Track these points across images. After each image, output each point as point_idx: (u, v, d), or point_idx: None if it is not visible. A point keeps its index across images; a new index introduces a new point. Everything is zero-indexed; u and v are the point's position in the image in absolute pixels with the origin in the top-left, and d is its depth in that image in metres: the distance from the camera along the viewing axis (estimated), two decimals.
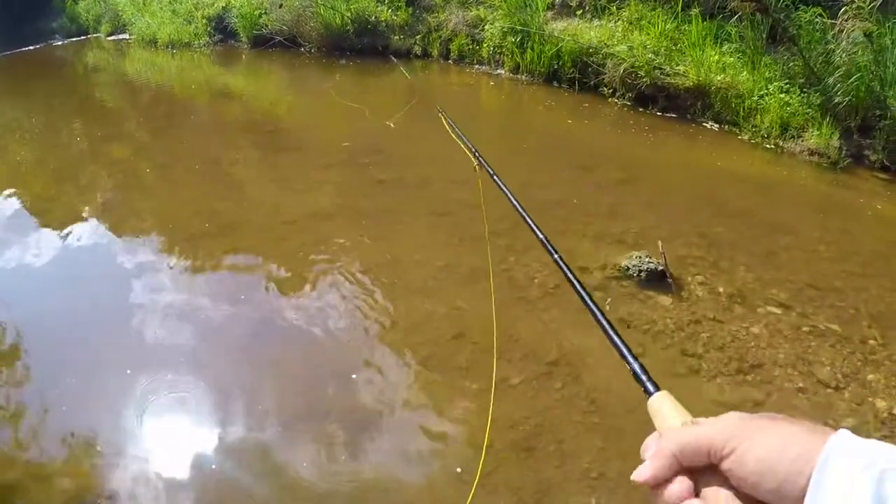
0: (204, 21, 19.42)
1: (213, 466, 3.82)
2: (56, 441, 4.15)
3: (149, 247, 6.54)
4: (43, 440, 4.19)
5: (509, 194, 3.60)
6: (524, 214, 3.37)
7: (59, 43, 27.49)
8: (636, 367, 1.98)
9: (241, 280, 5.79)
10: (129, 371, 4.71)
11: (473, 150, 4.34)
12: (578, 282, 2.57)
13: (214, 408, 4.28)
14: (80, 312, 5.64)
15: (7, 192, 8.57)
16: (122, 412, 4.33)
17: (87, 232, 7.15)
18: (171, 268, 6.12)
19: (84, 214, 7.55)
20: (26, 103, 15.25)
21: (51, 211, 7.82)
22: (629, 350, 2.05)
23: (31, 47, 26.27)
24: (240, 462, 3.84)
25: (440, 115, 5.67)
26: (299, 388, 4.37)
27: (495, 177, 3.86)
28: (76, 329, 5.39)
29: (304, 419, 4.09)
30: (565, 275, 2.73)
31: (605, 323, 2.22)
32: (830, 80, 7.65)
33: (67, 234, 7.10)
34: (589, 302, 2.39)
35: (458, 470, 3.63)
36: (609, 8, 10.81)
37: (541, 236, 3.14)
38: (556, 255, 2.88)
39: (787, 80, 8.11)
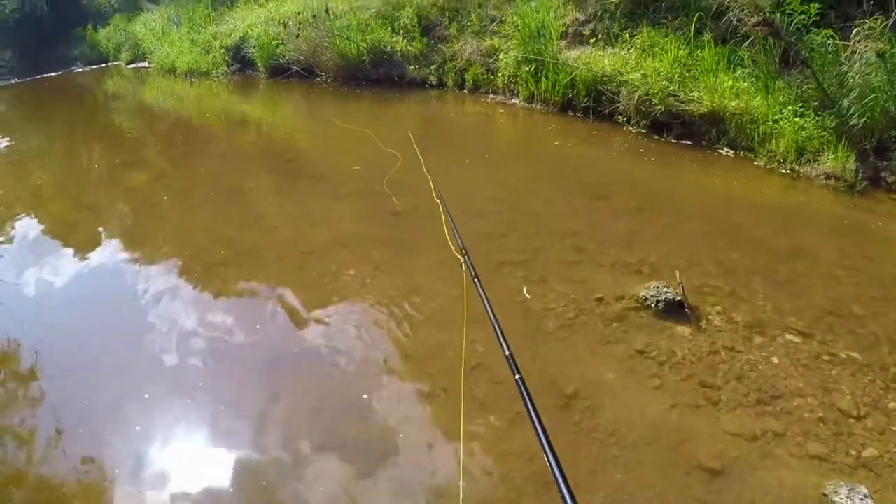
0: (222, 51, 19.84)
1: (230, 493, 3.85)
2: (69, 464, 4.20)
3: (167, 274, 6.62)
4: (56, 462, 4.25)
5: (486, 303, 3.64)
6: (495, 325, 3.41)
7: (80, 70, 27.94)
8: None
9: (259, 309, 5.84)
10: (146, 395, 4.79)
11: (462, 248, 4.36)
12: (535, 412, 2.59)
13: (230, 436, 4.32)
14: (97, 336, 5.73)
15: (28, 215, 8.75)
16: (137, 437, 4.39)
17: (105, 257, 7.26)
18: (188, 295, 6.19)
19: (102, 240, 7.68)
20: (47, 129, 15.49)
21: (70, 235, 7.95)
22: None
23: (52, 73, 26.70)
24: (255, 492, 3.86)
25: (438, 200, 5.69)
26: (316, 419, 4.39)
27: (476, 279, 3.90)
28: (93, 353, 5.47)
29: (320, 449, 4.11)
30: (524, 398, 2.75)
31: (553, 464, 2.25)
32: (845, 102, 7.63)
33: (86, 259, 7.23)
34: (542, 437, 2.41)
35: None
36: (622, 35, 10.84)
37: (507, 353, 3.20)
38: (517, 376, 2.93)
39: (801, 104, 8.09)
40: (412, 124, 12.04)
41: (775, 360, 4.50)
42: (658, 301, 5.06)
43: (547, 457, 2.34)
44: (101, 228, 8.15)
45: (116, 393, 4.86)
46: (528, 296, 5.39)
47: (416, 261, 6.12)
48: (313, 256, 6.57)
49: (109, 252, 7.40)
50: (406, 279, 5.86)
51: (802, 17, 8.38)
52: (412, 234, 6.59)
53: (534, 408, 2.66)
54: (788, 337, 4.72)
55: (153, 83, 21.10)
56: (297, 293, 5.95)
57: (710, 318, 4.96)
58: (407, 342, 5.02)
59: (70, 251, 7.50)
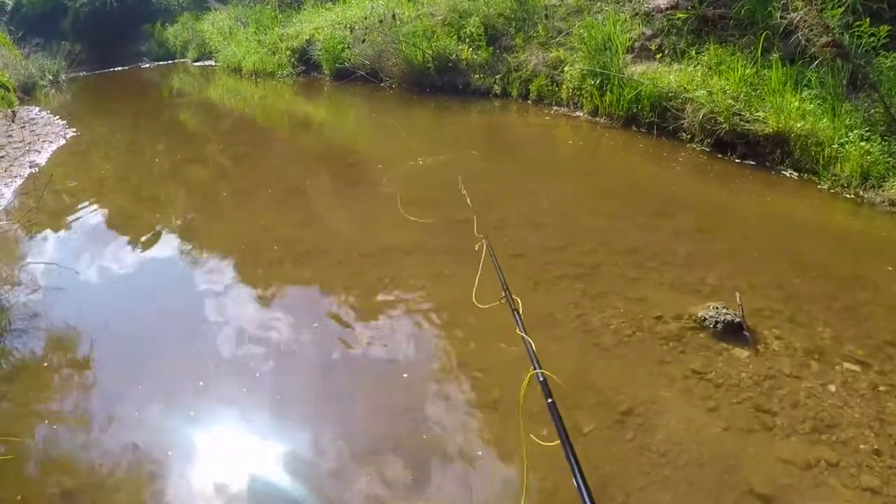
0: (288, 52, 20.17)
1: (278, 487, 4.00)
2: (120, 451, 4.37)
3: (226, 269, 6.83)
4: (107, 449, 4.41)
5: (525, 335, 3.63)
6: (530, 350, 3.40)
7: (147, 66, 28.73)
8: None
9: (317, 308, 6.01)
10: (201, 383, 4.98)
11: (504, 284, 4.39)
12: (567, 437, 2.61)
13: (283, 432, 4.48)
14: (154, 326, 5.96)
15: (91, 205, 9.08)
16: (189, 427, 4.56)
17: (165, 250, 7.54)
18: (246, 290, 6.40)
19: (163, 233, 7.98)
20: (112, 121, 15.93)
21: (131, 226, 8.23)
22: None
23: (119, 68, 27.38)
24: (305, 489, 3.98)
25: (483, 242, 5.71)
26: (369, 420, 4.51)
27: (516, 313, 3.90)
28: (149, 342, 5.69)
29: (372, 451, 4.21)
30: (556, 422, 2.76)
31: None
32: None
33: (145, 250, 7.53)
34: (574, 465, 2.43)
35: None
36: (688, 52, 10.79)
37: (541, 379, 3.17)
38: (549, 400, 2.93)
39: (867, 128, 7.93)
40: (476, 134, 12.13)
41: (832, 388, 4.47)
42: (717, 322, 5.05)
43: (576, 479, 2.38)
44: (161, 221, 8.39)
45: (171, 381, 5.06)
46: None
47: (476, 269, 6.16)
48: (372, 260, 6.68)
49: (169, 245, 7.63)
50: (466, 287, 5.91)
51: (872, 39, 8.26)
52: (473, 242, 6.63)
53: (565, 432, 2.68)
54: (847, 365, 4.68)
55: (218, 82, 21.47)
56: (356, 295, 6.07)
57: (768, 342, 4.95)
58: (464, 350, 5.08)
59: (130, 242, 7.75)
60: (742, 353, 4.83)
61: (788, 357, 4.78)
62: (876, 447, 3.97)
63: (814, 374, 4.60)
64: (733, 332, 5.02)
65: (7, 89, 9.34)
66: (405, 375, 4.91)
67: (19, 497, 4.04)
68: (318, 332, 5.56)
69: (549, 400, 2.96)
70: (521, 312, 3.81)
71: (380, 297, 5.97)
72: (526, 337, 3.52)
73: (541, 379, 3.13)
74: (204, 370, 5.12)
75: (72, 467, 4.27)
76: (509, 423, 4.27)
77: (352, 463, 4.10)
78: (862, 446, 3.98)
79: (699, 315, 5.20)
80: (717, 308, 5.19)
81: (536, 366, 3.18)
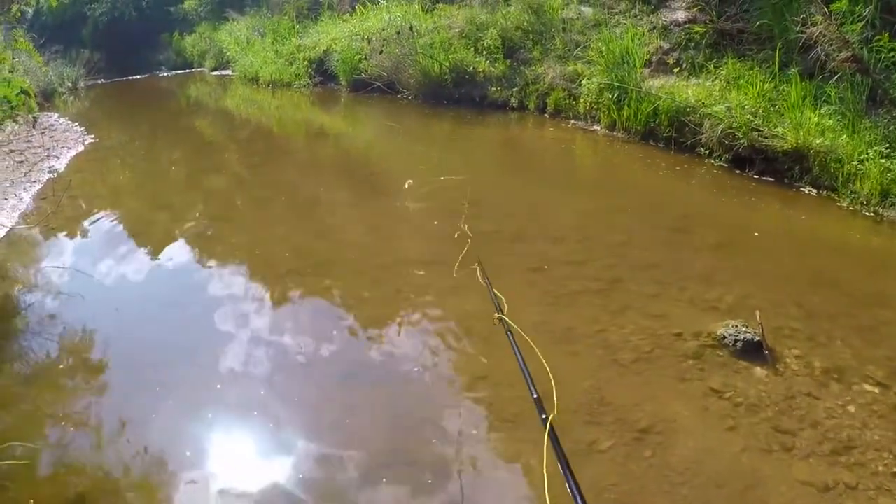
0: (305, 63, 20.27)
1: (292, 496, 3.98)
2: (134, 455, 4.36)
3: (242, 278, 6.85)
4: (117, 452, 4.41)
5: (518, 353, 3.60)
6: (525, 373, 3.36)
7: (165, 74, 28.99)
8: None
9: (334, 319, 6.01)
10: (219, 385, 5.02)
11: (497, 306, 4.37)
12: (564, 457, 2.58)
13: (297, 439, 4.46)
14: (170, 332, 6.00)
15: (108, 211, 9.16)
16: (201, 435, 4.57)
17: (181, 257, 7.61)
18: (263, 300, 6.39)
19: (179, 240, 8.02)
20: (130, 129, 16.09)
21: (147, 233, 8.32)
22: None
23: (137, 76, 27.64)
24: (318, 498, 3.97)
25: (476, 267, 5.66)
26: (385, 434, 4.49)
27: (509, 333, 3.87)
28: (164, 346, 5.72)
29: (387, 466, 4.19)
30: (554, 444, 2.72)
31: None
32: None
33: (161, 257, 7.60)
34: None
35: None
36: (707, 66, 10.78)
37: (534, 396, 3.12)
38: (544, 416, 2.88)
39: (887, 145, 7.88)
40: (493, 147, 12.15)
41: (852, 409, 4.44)
42: (737, 340, 5.02)
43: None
44: (177, 228, 8.42)
45: (186, 386, 5.08)
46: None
47: (496, 284, 6.14)
48: (390, 272, 6.69)
49: (185, 252, 7.69)
50: (485, 301, 5.89)
51: (892, 54, 8.23)
52: (492, 257, 6.62)
53: (562, 453, 2.66)
54: (866, 386, 4.64)
55: (235, 91, 21.59)
56: (375, 307, 6.07)
57: (787, 361, 4.92)
58: (483, 364, 5.06)
59: (146, 248, 7.80)
60: (761, 372, 4.81)
61: (808, 377, 4.75)
62: (894, 470, 3.93)
63: (833, 395, 4.57)
64: (753, 350, 4.99)
65: (28, 95, 9.41)
66: (422, 388, 4.92)
67: (32, 501, 4.04)
68: (335, 341, 5.57)
69: (544, 416, 2.95)
70: (511, 324, 3.82)
71: (397, 308, 5.98)
72: (524, 366, 3.51)
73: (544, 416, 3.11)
74: (219, 376, 5.13)
75: (86, 471, 4.28)
76: (526, 437, 4.25)
77: (366, 474, 4.09)
78: (881, 468, 3.95)
79: (718, 333, 5.18)
80: (737, 326, 5.17)
81: (535, 395, 3.19)
